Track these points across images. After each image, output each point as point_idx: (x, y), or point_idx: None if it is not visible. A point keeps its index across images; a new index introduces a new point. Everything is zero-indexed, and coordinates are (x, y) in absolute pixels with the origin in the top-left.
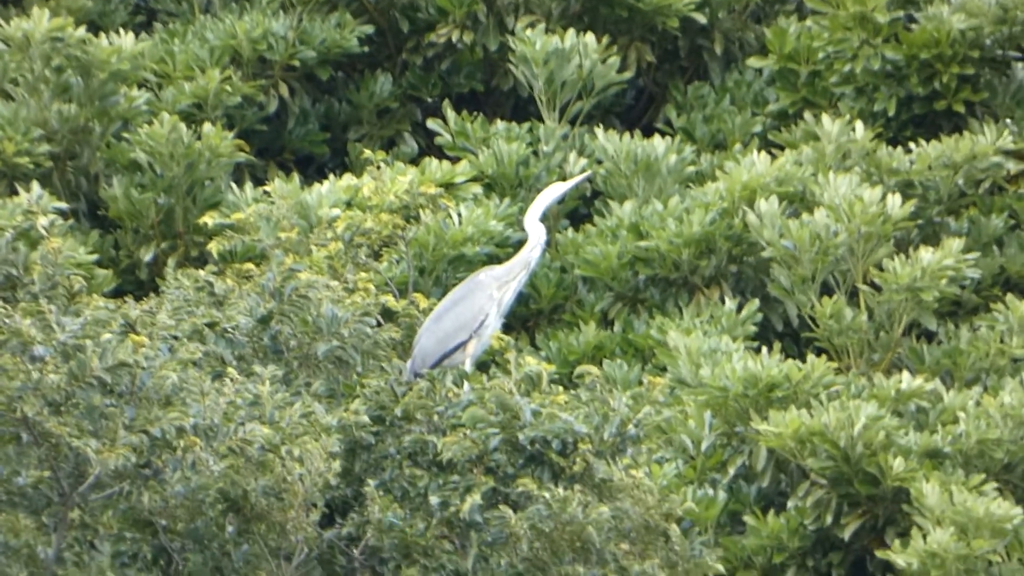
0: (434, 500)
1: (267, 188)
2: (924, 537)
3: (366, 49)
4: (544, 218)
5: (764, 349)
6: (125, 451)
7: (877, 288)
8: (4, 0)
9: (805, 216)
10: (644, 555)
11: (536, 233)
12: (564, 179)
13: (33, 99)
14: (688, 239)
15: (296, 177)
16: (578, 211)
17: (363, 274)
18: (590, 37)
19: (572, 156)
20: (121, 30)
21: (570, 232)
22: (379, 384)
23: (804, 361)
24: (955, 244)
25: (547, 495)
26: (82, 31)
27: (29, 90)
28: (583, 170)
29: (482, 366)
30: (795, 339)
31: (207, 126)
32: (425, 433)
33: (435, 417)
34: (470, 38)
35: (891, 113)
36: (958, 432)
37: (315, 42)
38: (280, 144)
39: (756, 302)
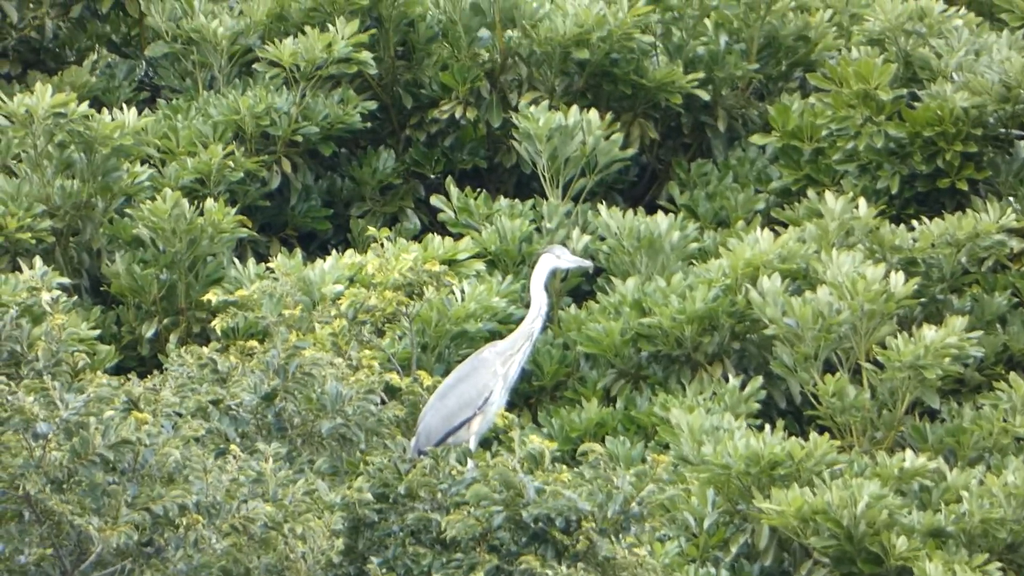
0: None
1: (270, 264)
2: None
3: (369, 125)
4: (546, 288)
5: (767, 427)
6: (127, 529)
7: (880, 366)
8: (8, 77)
9: (808, 294)
10: None
11: (538, 301)
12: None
13: (36, 175)
14: (691, 316)
15: (299, 253)
16: (580, 288)
17: (367, 351)
18: (593, 114)
19: (575, 233)
20: (124, 106)
21: (573, 308)
22: (383, 461)
23: (807, 439)
24: (958, 322)
25: (550, 573)
26: (85, 107)
27: (32, 166)
28: (586, 247)
29: (486, 443)
30: (797, 417)
31: (209, 202)
32: (429, 511)
33: (439, 495)
34: (473, 114)
35: (894, 191)
36: (961, 511)
37: (318, 118)
38: (283, 220)
39: (759, 380)
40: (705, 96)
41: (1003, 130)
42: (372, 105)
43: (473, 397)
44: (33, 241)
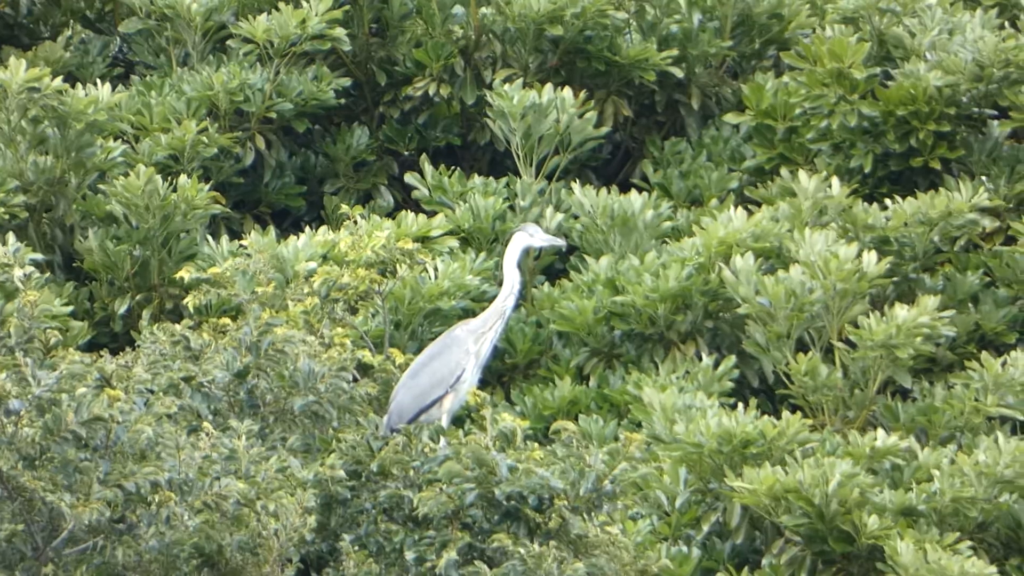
0: (409, 555)
1: (243, 242)
2: None
3: (343, 102)
4: (519, 267)
5: (739, 406)
6: (99, 506)
7: (852, 345)
8: None
9: (781, 273)
10: None
11: (510, 279)
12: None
13: (9, 150)
14: (664, 294)
15: (272, 230)
16: (554, 266)
17: (339, 329)
18: (567, 92)
19: (549, 211)
20: (98, 82)
21: (546, 287)
22: (355, 439)
23: (779, 418)
24: (930, 301)
25: (522, 551)
26: (59, 82)
27: (5, 141)
28: (559, 226)
29: (458, 421)
30: (770, 396)
31: (183, 178)
32: (401, 488)
33: (411, 472)
34: (447, 92)
35: (867, 170)
36: (933, 490)
37: (292, 94)
38: (256, 197)
39: (732, 359)
40: (679, 74)
41: (976, 109)
42: (346, 82)
43: (445, 375)
44: (6, 217)
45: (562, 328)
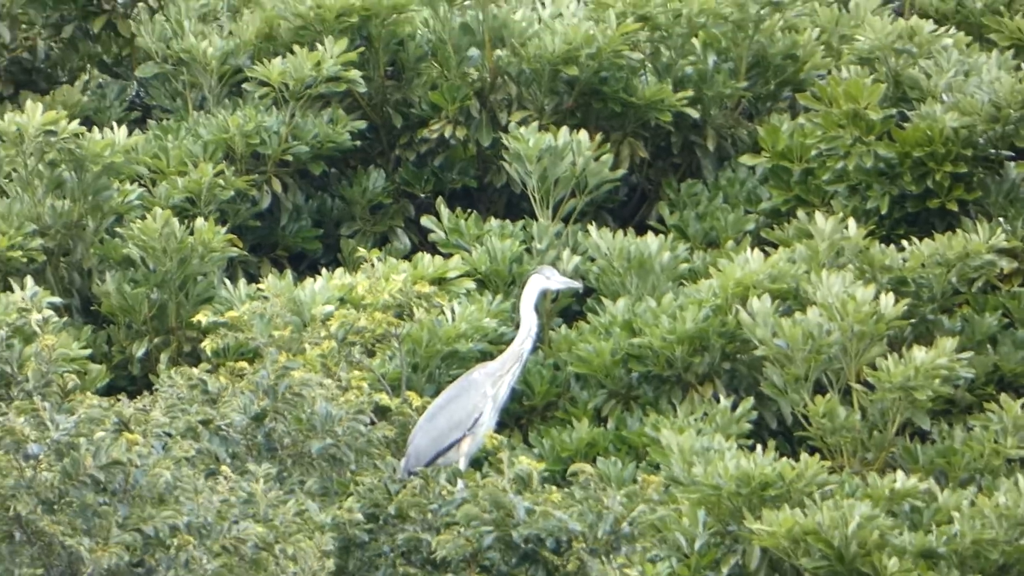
0: None
1: (260, 285)
2: None
3: (358, 144)
4: (536, 309)
5: (758, 448)
6: (118, 549)
7: (870, 387)
8: (0, 97)
9: (798, 315)
10: None
11: (528, 322)
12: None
13: (27, 194)
14: (681, 336)
15: (289, 274)
16: (571, 308)
17: (357, 372)
18: (583, 134)
19: (566, 253)
20: (115, 125)
21: (563, 329)
22: (373, 482)
23: (797, 460)
24: (948, 343)
25: None
26: (76, 125)
27: (23, 185)
28: (576, 268)
29: (476, 464)
30: (788, 438)
31: (199, 221)
32: (419, 531)
33: (429, 515)
34: (463, 134)
35: (884, 211)
36: (953, 532)
37: (308, 137)
38: (273, 240)
39: (750, 400)
40: (694, 114)
41: (993, 151)
42: (361, 124)
43: (463, 418)
44: (24, 260)
45: (580, 370)
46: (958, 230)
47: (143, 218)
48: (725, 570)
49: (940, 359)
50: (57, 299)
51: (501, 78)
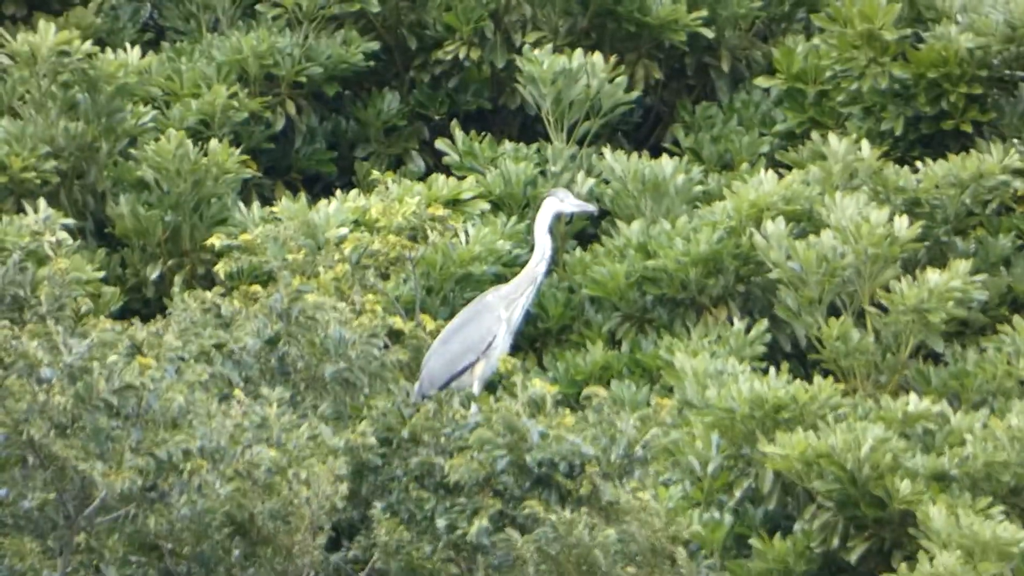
0: (441, 523)
1: (274, 208)
2: (930, 560)
3: (372, 65)
4: (550, 232)
5: (771, 370)
6: (131, 474)
7: (884, 310)
8: (13, 19)
9: (812, 238)
10: None
11: (542, 245)
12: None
13: (40, 116)
14: (695, 258)
15: (303, 196)
16: (585, 231)
17: (370, 296)
18: (597, 56)
19: (580, 176)
20: (128, 46)
21: (577, 252)
22: (386, 406)
23: (811, 383)
24: (962, 265)
25: (553, 518)
26: (89, 45)
27: (36, 106)
28: (590, 191)
29: (490, 388)
30: (802, 360)
31: (214, 142)
32: (432, 455)
33: (442, 439)
34: (477, 55)
35: (898, 133)
36: (965, 455)
37: (321, 58)
38: (287, 163)
39: (764, 323)
40: (709, 34)
41: (1008, 72)
42: (375, 46)
43: (476, 341)
44: (38, 182)
45: (594, 293)
46: (972, 151)
47: (157, 140)
48: (738, 493)
49: (954, 281)
50: (71, 221)
51: None
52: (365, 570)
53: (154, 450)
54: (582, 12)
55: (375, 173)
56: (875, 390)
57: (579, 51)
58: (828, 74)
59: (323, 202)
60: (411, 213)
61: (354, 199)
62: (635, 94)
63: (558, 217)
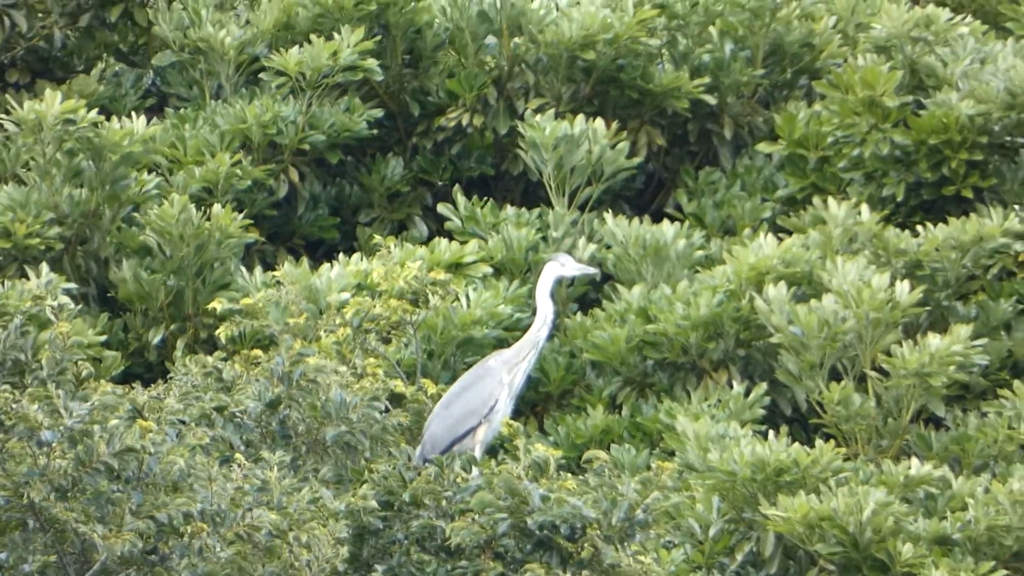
0: None
1: (276, 272)
2: None
3: (375, 132)
4: (552, 297)
5: (771, 433)
6: (132, 537)
7: (885, 374)
8: (17, 86)
9: (813, 302)
10: None
11: (544, 309)
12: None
13: (45, 182)
14: (696, 322)
15: (305, 261)
16: (587, 296)
17: (371, 359)
18: (599, 122)
19: (581, 241)
20: (132, 114)
21: (578, 316)
22: (387, 469)
23: (812, 447)
24: (963, 330)
25: None
26: (94, 114)
27: (41, 173)
28: (592, 256)
29: (491, 452)
30: (803, 425)
31: (217, 207)
32: (433, 518)
33: (443, 502)
34: (480, 122)
35: (900, 198)
36: (967, 519)
37: (324, 126)
38: (290, 229)
39: (764, 386)
40: (711, 102)
41: (1008, 138)
42: (379, 113)
43: (478, 406)
44: (41, 248)
45: (595, 357)
46: (972, 215)
47: (160, 206)
48: (739, 556)
49: (955, 346)
50: (73, 286)
51: (518, 66)
52: None
53: (155, 513)
54: (584, 79)
55: (377, 237)
56: (876, 454)
57: (581, 117)
58: (829, 140)
59: (325, 267)
60: (412, 277)
61: (356, 263)
62: (637, 160)
63: (559, 281)
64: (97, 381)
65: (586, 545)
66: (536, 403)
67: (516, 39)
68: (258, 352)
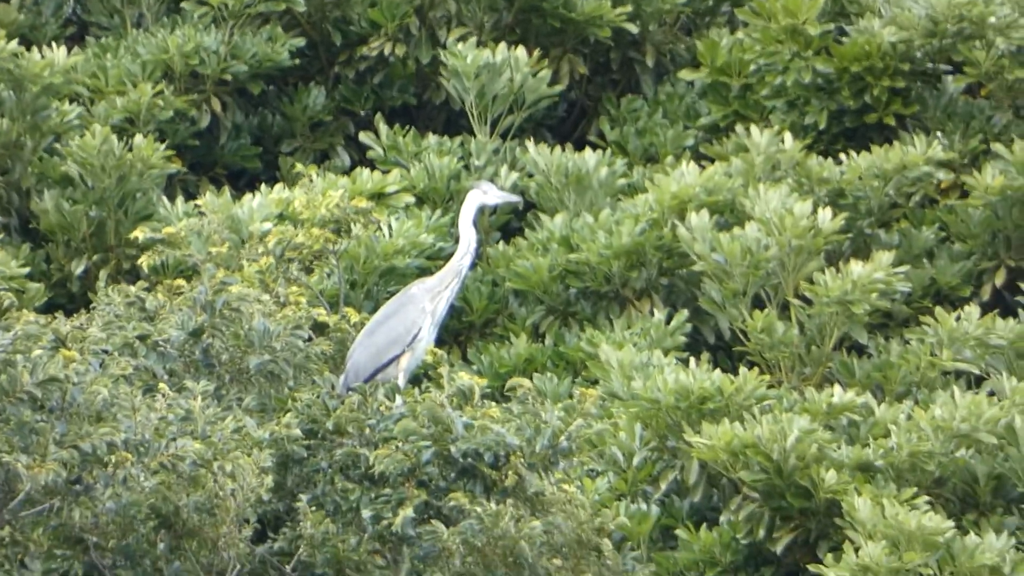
0: (366, 514)
1: (198, 202)
2: (856, 551)
3: (298, 62)
4: (475, 225)
5: (692, 361)
6: (55, 467)
7: (808, 302)
8: None
9: (736, 230)
10: (576, 570)
11: (466, 238)
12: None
13: None
14: (618, 251)
15: (227, 191)
16: (509, 225)
17: (294, 288)
18: (521, 51)
19: (504, 170)
20: (53, 44)
21: (501, 245)
22: (311, 398)
23: (737, 375)
24: (885, 257)
25: (479, 510)
26: (14, 45)
27: None
28: (514, 185)
29: (415, 380)
30: (728, 352)
31: (139, 137)
32: (357, 446)
33: (367, 430)
34: (402, 51)
35: (822, 126)
36: (890, 445)
37: (247, 56)
38: (212, 159)
39: (684, 313)
40: (633, 29)
41: (930, 65)
42: (300, 42)
43: (401, 334)
44: None
45: (518, 286)
46: (896, 143)
47: (82, 136)
48: (663, 485)
49: (877, 273)
50: None
51: None
52: (291, 562)
53: (78, 443)
54: (507, 8)
55: (299, 166)
56: (800, 382)
57: (503, 46)
58: (752, 68)
59: (247, 196)
60: (334, 205)
61: (278, 193)
62: (559, 88)
63: (482, 210)
64: (20, 311)
65: (510, 473)
66: (459, 332)
67: None
68: (181, 282)
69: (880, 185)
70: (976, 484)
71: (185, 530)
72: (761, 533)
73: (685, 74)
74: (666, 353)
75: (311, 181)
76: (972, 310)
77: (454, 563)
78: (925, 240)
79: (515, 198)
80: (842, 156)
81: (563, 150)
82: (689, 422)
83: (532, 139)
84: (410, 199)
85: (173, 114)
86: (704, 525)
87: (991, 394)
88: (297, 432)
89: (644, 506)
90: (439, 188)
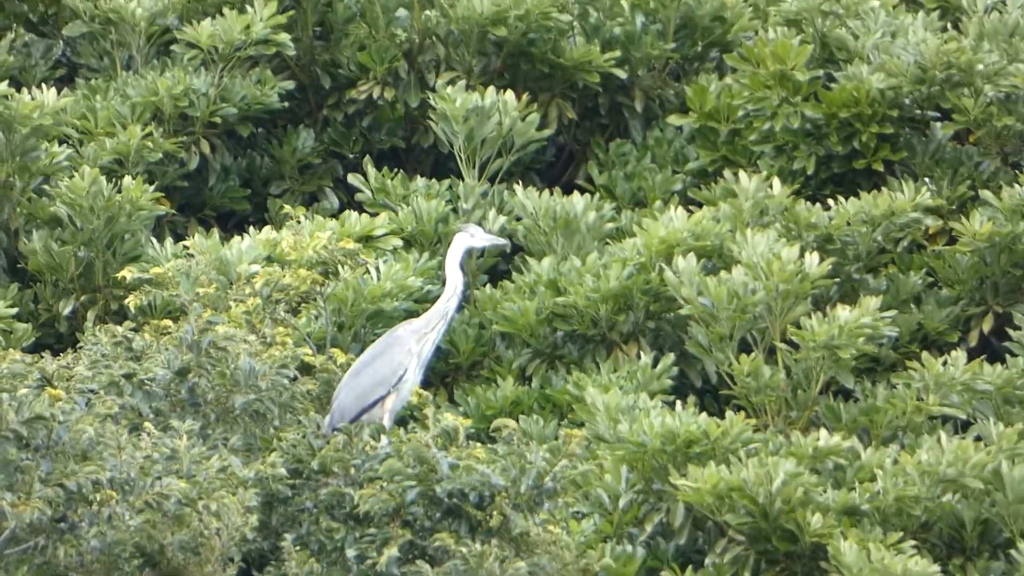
0: (351, 553)
1: (187, 243)
2: None
3: (287, 105)
4: (462, 268)
5: (679, 404)
6: (40, 505)
7: (795, 346)
8: None
9: (723, 274)
10: None
11: (453, 280)
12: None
13: None
14: (605, 295)
15: (216, 232)
16: (497, 267)
17: (281, 328)
18: (510, 95)
19: (492, 213)
20: (43, 86)
21: (488, 288)
22: (296, 437)
23: (723, 419)
24: (873, 302)
25: (464, 550)
26: (4, 86)
27: None
28: (502, 228)
29: (401, 421)
30: (714, 396)
31: (127, 179)
32: (342, 486)
33: (352, 470)
34: (391, 95)
35: (810, 171)
36: (876, 490)
37: (236, 99)
38: (201, 201)
39: (671, 356)
40: (622, 75)
41: (919, 111)
42: (290, 85)
43: (387, 375)
44: None
45: (504, 329)
46: (884, 189)
47: (71, 177)
48: (649, 527)
49: (864, 318)
50: None
51: (429, 39)
52: None
53: (64, 481)
54: (496, 52)
55: (287, 209)
56: (786, 426)
57: (492, 89)
58: (740, 113)
59: (236, 238)
60: (322, 247)
61: (266, 235)
62: (547, 132)
63: (469, 253)
64: (6, 350)
65: (495, 513)
66: (446, 374)
67: (427, 12)
68: (168, 322)
69: (868, 230)
70: (963, 529)
71: (170, 569)
72: None
73: (674, 119)
74: (652, 396)
75: (299, 223)
76: (959, 355)
77: None
78: (913, 285)
79: (502, 241)
80: (830, 202)
81: (551, 194)
82: (675, 465)
83: (520, 183)
84: (398, 242)
85: (162, 156)
86: (690, 568)
87: (978, 439)
88: (282, 471)
89: (630, 548)
90: (427, 231)
